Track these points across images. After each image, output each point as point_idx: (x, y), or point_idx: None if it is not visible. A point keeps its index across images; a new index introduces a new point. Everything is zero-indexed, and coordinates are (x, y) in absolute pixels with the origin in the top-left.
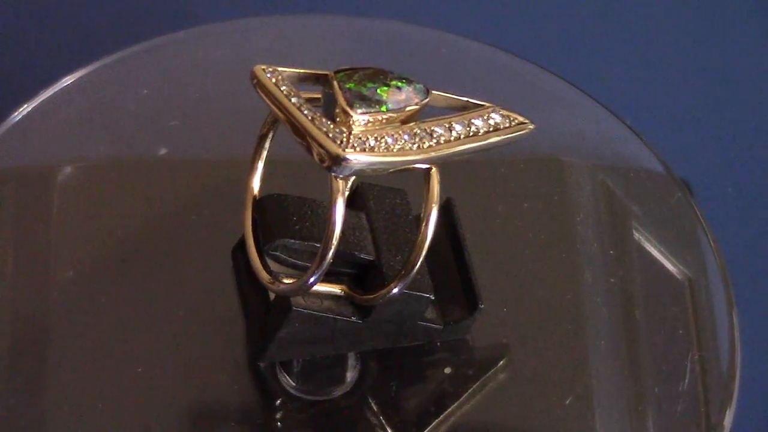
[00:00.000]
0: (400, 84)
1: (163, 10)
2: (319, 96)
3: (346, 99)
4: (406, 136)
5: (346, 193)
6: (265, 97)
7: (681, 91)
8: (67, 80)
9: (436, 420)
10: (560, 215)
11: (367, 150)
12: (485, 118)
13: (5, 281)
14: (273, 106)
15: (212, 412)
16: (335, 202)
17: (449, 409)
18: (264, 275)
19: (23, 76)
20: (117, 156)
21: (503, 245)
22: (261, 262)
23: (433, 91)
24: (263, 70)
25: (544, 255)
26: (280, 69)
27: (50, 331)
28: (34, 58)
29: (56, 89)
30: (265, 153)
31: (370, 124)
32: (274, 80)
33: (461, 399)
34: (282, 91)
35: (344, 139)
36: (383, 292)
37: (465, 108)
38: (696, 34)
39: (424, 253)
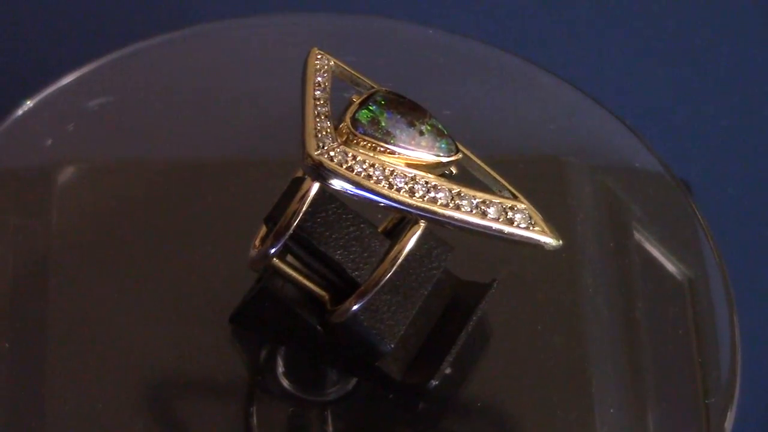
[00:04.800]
0: (425, 130)
1: (163, 10)
2: None
3: (352, 113)
4: (398, 179)
5: (312, 195)
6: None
7: (681, 91)
8: (67, 79)
9: (436, 419)
10: (560, 215)
11: (344, 168)
12: (504, 208)
13: (5, 280)
14: (300, 88)
15: (208, 396)
16: (302, 195)
17: (449, 409)
18: (255, 240)
19: (23, 75)
20: (117, 156)
21: (503, 245)
22: (266, 232)
23: (473, 158)
24: (316, 53)
25: (544, 255)
26: (333, 61)
27: (49, 330)
28: (34, 57)
29: (56, 88)
30: None
31: (369, 149)
32: (317, 66)
33: (460, 399)
34: (315, 80)
35: (327, 145)
36: (343, 307)
37: (500, 192)
38: (696, 34)
39: (381, 284)
